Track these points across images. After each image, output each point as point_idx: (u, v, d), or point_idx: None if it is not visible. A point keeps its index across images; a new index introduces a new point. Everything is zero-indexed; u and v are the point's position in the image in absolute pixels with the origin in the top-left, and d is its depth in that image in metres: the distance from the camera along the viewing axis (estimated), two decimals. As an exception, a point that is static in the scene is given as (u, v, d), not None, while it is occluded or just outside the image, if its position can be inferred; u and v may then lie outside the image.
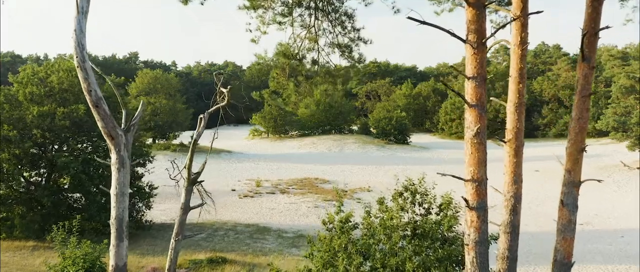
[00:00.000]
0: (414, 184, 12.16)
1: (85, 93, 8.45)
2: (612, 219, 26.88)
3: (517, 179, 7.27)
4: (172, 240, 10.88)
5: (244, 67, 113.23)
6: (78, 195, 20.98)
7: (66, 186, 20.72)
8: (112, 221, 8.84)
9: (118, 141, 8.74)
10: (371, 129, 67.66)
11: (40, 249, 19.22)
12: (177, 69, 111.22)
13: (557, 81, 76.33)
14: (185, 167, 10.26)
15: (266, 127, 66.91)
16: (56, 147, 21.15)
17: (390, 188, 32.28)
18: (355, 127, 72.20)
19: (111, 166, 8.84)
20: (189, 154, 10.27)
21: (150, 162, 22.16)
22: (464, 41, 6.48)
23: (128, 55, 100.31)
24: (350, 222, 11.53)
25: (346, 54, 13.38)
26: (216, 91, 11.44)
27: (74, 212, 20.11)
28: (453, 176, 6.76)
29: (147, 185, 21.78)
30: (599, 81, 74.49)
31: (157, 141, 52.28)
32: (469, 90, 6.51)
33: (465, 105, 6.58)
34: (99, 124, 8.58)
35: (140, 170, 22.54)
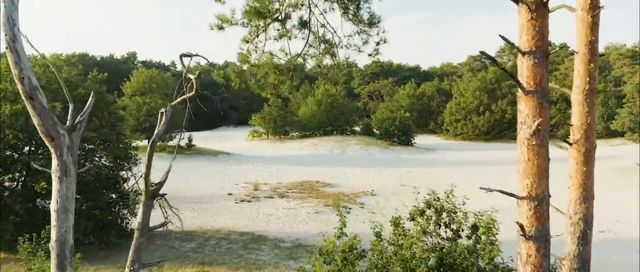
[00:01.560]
0: (439, 199, 9.93)
1: (16, 81, 6.57)
2: (635, 226, 24.95)
3: (587, 195, 5.35)
4: (127, 270, 8.66)
5: (245, 68, 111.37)
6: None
7: (43, 192, 18.87)
8: (52, 244, 6.94)
9: (59, 142, 6.85)
10: (374, 130, 65.79)
11: (10, 262, 17.39)
12: (176, 70, 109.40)
13: (565, 81, 74.28)
14: (142, 176, 8.24)
15: (266, 128, 65.03)
16: (32, 149, 19.32)
17: (395, 191, 30.47)
18: (357, 128, 70.28)
19: (52, 174, 6.95)
20: (147, 159, 8.23)
21: (136, 165, 20.26)
22: (516, 1, 4.64)
23: (126, 55, 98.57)
24: (356, 249, 9.25)
25: (351, 11, 9.06)
26: (182, 78, 9.19)
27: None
28: (502, 192, 4.87)
29: (132, 190, 19.92)
30: (607, 80, 72.59)
31: (152, 143, 50.43)
32: (523, 70, 4.67)
33: (519, 94, 4.74)
34: (35, 120, 6.70)
35: (125, 174, 20.68)
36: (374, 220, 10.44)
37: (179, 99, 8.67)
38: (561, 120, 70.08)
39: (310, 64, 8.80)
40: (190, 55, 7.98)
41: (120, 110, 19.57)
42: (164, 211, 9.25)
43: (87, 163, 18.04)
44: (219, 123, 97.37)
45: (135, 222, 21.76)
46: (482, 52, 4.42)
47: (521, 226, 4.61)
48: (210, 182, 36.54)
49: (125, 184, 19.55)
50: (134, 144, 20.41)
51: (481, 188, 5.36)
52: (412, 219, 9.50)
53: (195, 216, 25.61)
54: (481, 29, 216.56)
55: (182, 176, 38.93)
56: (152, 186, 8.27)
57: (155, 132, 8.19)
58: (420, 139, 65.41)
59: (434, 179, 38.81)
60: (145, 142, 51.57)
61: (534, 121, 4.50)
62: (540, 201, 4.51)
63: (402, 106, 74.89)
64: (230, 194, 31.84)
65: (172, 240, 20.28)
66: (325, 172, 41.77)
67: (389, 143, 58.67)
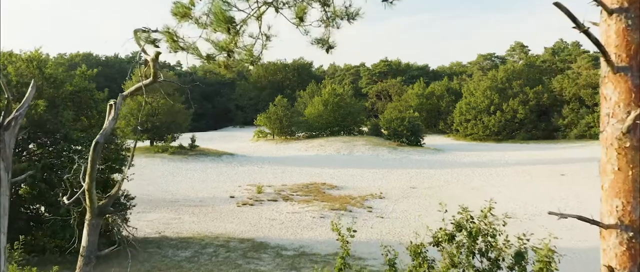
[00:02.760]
0: (472, 219, 7.79)
1: None
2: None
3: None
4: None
5: (250, 67, 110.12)
6: (43, 208, 17.85)
7: (25, 197, 17.54)
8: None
9: (-13, 142, 5.43)
10: (382, 130, 64.21)
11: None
12: (182, 69, 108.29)
13: (578, 80, 72.53)
14: (84, 189, 6.70)
15: (271, 128, 63.60)
16: (15, 150, 17.97)
17: (405, 194, 28.93)
18: (365, 129, 68.70)
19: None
20: (89, 167, 6.68)
21: (127, 167, 18.84)
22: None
23: (131, 55, 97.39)
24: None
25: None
26: (136, 61, 7.35)
27: (35, 227, 16.98)
28: (579, 218, 3.34)
29: (123, 195, 18.52)
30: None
31: (154, 143, 49.16)
32: (610, 38, 3.20)
33: (604, 73, 3.28)
34: (-45, 115, 5.28)
35: (117, 176, 19.29)
36: (384, 237, 8.77)
37: (132, 88, 7.09)
38: (574, 120, 68.28)
39: (287, 15, 6.02)
40: (148, 31, 6.34)
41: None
42: (117, 231, 7.67)
43: (73, 165, 16.66)
44: (226, 123, 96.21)
45: (123, 231, 20.43)
46: (557, 4, 2.90)
47: (611, 269, 3.11)
48: (212, 185, 35.24)
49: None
50: (126, 145, 18.98)
51: (550, 213, 3.81)
52: (437, 244, 7.63)
53: (195, 221, 24.27)
54: (490, 30, 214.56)
55: (184, 178, 37.65)
56: (102, 200, 6.73)
57: (104, 127, 6.62)
58: (429, 140, 63.81)
59: (445, 180, 37.32)
60: (147, 143, 50.35)
61: (630, 112, 3.03)
62: (636, 232, 3.03)
63: (410, 106, 73.33)
64: (233, 197, 30.51)
65: (166, 248, 18.90)
66: (331, 173, 40.36)
67: (397, 144, 57.12)
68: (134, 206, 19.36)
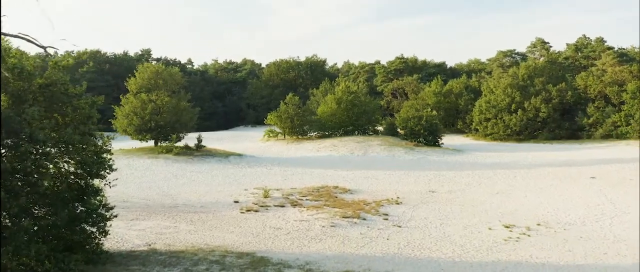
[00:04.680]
0: None
1: None
2: None
3: None
4: None
5: (263, 65, 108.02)
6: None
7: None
8: None
9: None
10: (398, 130, 61.53)
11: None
12: (193, 67, 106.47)
13: (603, 77, 69.29)
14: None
15: (282, 128, 61.17)
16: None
17: (423, 199, 26.32)
18: (380, 128, 66.07)
19: None
20: None
21: (109, 173, 16.44)
22: None
23: (140, 52, 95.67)
24: None
25: None
26: None
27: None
28: None
29: (102, 205, 16.13)
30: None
31: (159, 144, 46.95)
32: None
33: None
34: None
35: (97, 182, 16.92)
36: (402, 251, 6.34)
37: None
38: (600, 119, 65.07)
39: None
40: None
41: (85, 105, 15.75)
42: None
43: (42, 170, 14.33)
44: (237, 123, 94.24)
45: (107, 243, 18.11)
46: None
47: None
48: (217, 188, 32.93)
49: (92, 198, 15.72)
50: (109, 146, 16.58)
51: None
52: None
53: (191, 230, 21.90)
54: (507, 28, 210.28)
55: (188, 181, 35.40)
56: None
57: None
58: (447, 140, 61.12)
59: (466, 183, 34.66)
60: (151, 143, 48.22)
61: None
62: None
63: (427, 104, 70.57)
64: (237, 202, 28.13)
65: (152, 264, 16.49)
66: (344, 176, 37.88)
67: (414, 144, 54.48)
68: (116, 216, 16.92)
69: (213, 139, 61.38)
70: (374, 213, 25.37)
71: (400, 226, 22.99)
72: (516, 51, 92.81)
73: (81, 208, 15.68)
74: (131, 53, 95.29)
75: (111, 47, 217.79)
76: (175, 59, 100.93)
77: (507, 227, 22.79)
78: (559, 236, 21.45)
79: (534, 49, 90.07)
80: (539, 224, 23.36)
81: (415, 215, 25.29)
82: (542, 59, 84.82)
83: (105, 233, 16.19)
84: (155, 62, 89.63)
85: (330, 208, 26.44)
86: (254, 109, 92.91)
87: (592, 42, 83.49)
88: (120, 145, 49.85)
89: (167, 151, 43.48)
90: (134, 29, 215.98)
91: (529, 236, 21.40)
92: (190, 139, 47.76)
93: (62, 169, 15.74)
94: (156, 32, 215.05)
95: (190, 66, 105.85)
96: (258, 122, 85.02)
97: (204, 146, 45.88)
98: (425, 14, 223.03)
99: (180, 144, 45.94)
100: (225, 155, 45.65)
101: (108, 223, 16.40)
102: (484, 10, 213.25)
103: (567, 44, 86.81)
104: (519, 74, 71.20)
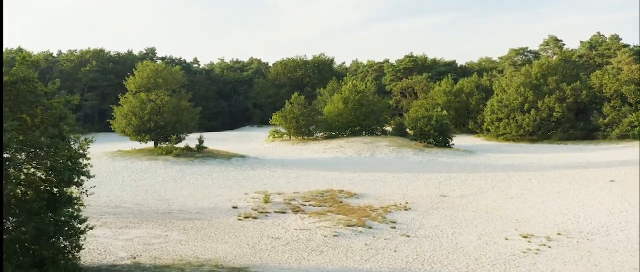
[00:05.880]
0: None
1: None
2: None
3: None
4: None
5: (270, 64, 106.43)
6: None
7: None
8: None
9: None
10: (407, 130, 59.61)
11: None
12: (199, 67, 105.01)
13: (619, 75, 67.04)
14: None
15: (287, 128, 59.43)
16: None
17: (434, 204, 24.49)
18: (388, 128, 64.18)
19: None
20: None
21: (81, 182, 14.78)
22: None
23: (144, 51, 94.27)
24: None
25: None
26: None
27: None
28: None
29: (72, 216, 14.46)
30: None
31: (159, 145, 45.40)
32: None
33: None
34: None
35: (74, 190, 15.29)
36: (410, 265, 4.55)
37: None
38: (616, 118, 62.88)
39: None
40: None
41: (57, 104, 14.14)
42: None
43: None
44: (243, 123, 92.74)
45: (87, 255, 16.49)
46: None
47: None
48: (216, 192, 31.35)
49: (64, 208, 14.07)
50: (86, 151, 14.93)
51: None
52: None
53: (183, 240, 20.28)
54: (519, 27, 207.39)
55: (186, 184, 33.84)
56: None
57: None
58: (458, 140, 59.21)
59: (478, 187, 32.83)
60: (150, 144, 46.73)
61: None
62: None
63: (437, 104, 68.63)
64: (235, 208, 26.52)
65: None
66: (351, 178, 36.16)
67: (424, 145, 52.61)
68: (91, 228, 15.26)
69: (216, 140, 59.83)
70: (381, 220, 23.63)
71: (408, 236, 21.24)
72: (528, 49, 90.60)
73: (51, 219, 14.03)
74: (136, 52, 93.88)
75: (116, 46, 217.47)
76: (180, 58, 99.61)
77: (525, 237, 20.99)
78: (582, 248, 19.62)
79: (547, 47, 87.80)
80: (559, 234, 21.54)
81: (425, 223, 23.54)
82: (555, 57, 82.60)
83: (78, 248, 14.54)
84: (160, 61, 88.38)
85: (333, 215, 24.75)
86: (260, 109, 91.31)
87: (607, 40, 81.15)
88: (120, 146, 48.53)
89: (166, 152, 41.93)
90: (140, 28, 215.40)
91: (549, 247, 19.60)
92: (192, 140, 46.24)
93: (32, 176, 14.13)
94: (163, 32, 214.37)
95: (196, 65, 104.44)
96: (264, 122, 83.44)
97: (206, 147, 44.29)
98: (435, 13, 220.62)
99: (181, 145, 44.37)
100: (228, 156, 44.05)
101: (83, 236, 14.74)
102: (494, 10, 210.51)
103: (581, 42, 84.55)
104: (532, 73, 69.10)
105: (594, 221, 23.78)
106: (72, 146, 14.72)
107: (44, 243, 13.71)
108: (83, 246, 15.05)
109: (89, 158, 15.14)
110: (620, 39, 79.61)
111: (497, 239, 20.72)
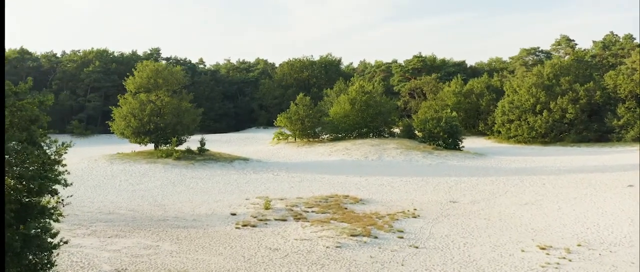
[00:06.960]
0: None
1: None
2: None
3: None
4: None
5: (276, 65, 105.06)
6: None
7: None
8: None
9: None
10: (416, 132, 58.02)
11: None
12: (205, 67, 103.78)
13: (634, 75, 65.11)
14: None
15: (292, 130, 57.98)
16: None
17: (444, 211, 22.95)
18: (397, 130, 62.58)
19: None
20: None
21: (55, 191, 13.38)
22: None
23: (149, 52, 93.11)
24: None
25: None
26: None
27: None
28: None
29: (45, 231, 13.06)
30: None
31: (159, 147, 44.10)
32: None
33: None
34: None
35: (48, 200, 13.89)
36: None
37: None
38: (631, 120, 60.98)
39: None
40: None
41: (29, 106, 12.78)
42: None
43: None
44: (249, 124, 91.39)
45: (69, 270, 15.08)
46: None
47: None
48: (215, 197, 29.99)
49: (35, 221, 12.68)
50: (61, 157, 13.56)
51: None
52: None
53: (174, 251, 18.90)
54: (530, 27, 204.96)
55: (185, 188, 32.51)
56: None
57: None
58: (468, 143, 57.56)
59: (490, 192, 31.27)
60: (150, 146, 45.45)
61: None
62: None
63: (447, 105, 66.96)
64: (234, 215, 25.15)
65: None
66: (357, 183, 34.70)
67: (433, 147, 51.03)
68: (66, 242, 13.85)
69: (220, 142, 58.55)
70: (387, 229, 22.14)
71: (417, 247, 19.74)
72: (540, 49, 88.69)
73: (19, 233, 12.64)
74: (140, 52, 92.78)
75: (120, 46, 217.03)
76: (185, 59, 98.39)
77: (542, 248, 19.44)
78: (606, 261, 18.04)
79: (559, 46, 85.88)
80: (579, 245, 19.96)
81: (434, 232, 22.02)
82: (567, 57, 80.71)
83: (50, 264, 13.13)
84: (164, 61, 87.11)
85: (337, 222, 23.29)
86: (266, 110, 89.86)
87: (621, 40, 79.18)
88: (121, 149, 47.33)
89: (166, 155, 40.63)
90: (146, 29, 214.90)
91: (570, 260, 18.04)
92: (194, 142, 44.91)
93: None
94: (168, 32, 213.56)
95: (201, 66, 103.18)
96: (270, 123, 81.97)
97: (208, 150, 42.95)
98: (444, 13, 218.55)
99: (182, 147, 43.03)
100: (230, 159, 42.70)
101: (56, 252, 13.35)
102: (503, 10, 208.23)
103: (594, 42, 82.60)
104: (544, 73, 67.31)
105: (616, 231, 22.17)
106: (46, 151, 13.35)
107: (10, 260, 12.32)
108: (56, 263, 13.65)
109: (65, 164, 13.76)
110: (634, 39, 77.68)
111: (513, 251, 19.18)
